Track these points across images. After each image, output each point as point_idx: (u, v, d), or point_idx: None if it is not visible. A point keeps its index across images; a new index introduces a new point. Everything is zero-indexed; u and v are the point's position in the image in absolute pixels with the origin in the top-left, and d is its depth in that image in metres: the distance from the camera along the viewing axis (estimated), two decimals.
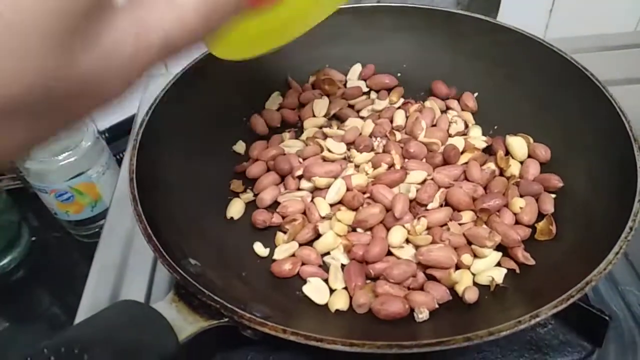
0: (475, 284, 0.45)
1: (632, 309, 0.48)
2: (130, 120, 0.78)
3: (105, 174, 0.72)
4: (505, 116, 0.59)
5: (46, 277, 0.74)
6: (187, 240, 0.45)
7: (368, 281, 0.46)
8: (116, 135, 0.89)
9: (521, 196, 0.50)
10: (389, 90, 0.63)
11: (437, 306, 0.42)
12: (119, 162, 0.78)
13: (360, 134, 0.56)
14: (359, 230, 0.49)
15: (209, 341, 0.45)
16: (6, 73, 0.17)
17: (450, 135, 0.57)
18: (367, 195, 0.50)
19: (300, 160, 0.55)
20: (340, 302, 0.43)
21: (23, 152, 0.21)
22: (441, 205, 0.49)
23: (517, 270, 0.45)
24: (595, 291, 0.50)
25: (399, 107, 0.61)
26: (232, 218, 0.52)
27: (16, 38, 0.17)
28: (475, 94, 0.62)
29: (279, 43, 0.42)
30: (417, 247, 0.46)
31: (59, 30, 0.18)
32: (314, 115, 0.61)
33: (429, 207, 0.49)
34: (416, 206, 0.49)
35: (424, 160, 0.53)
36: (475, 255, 0.46)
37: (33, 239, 0.78)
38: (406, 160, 0.53)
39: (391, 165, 0.52)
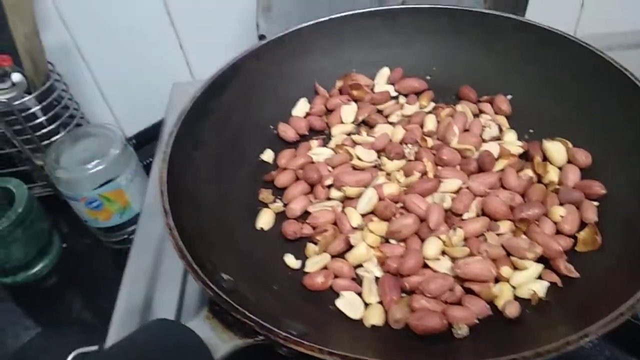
0: (515, 298, 0.43)
1: None
2: (157, 126, 0.78)
3: (134, 180, 0.73)
4: (540, 119, 0.57)
5: (77, 284, 0.75)
6: (218, 253, 0.44)
7: (403, 295, 0.44)
8: (143, 142, 0.92)
9: (561, 204, 0.48)
10: (418, 94, 0.62)
11: (476, 322, 0.41)
12: (147, 168, 0.78)
13: (391, 140, 0.55)
14: (392, 241, 0.47)
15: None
16: None
17: (484, 141, 0.55)
18: (400, 205, 0.49)
19: (330, 168, 0.54)
20: (375, 317, 0.42)
21: None
22: (477, 215, 0.47)
23: (560, 284, 0.43)
24: None
25: (429, 112, 0.59)
26: (262, 229, 0.51)
27: None
28: (509, 97, 0.60)
29: None
30: (453, 259, 0.45)
31: None
32: (341, 122, 0.60)
33: (464, 217, 0.47)
34: (451, 216, 0.47)
35: (457, 167, 0.52)
36: (515, 268, 0.44)
37: (64, 245, 0.79)
38: (439, 167, 0.51)
39: (424, 173, 0.51)
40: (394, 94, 0.63)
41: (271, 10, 0.74)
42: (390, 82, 0.63)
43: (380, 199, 0.49)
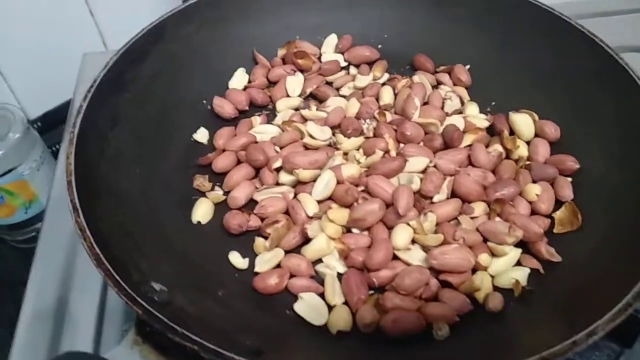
0: (495, 288, 0.38)
1: None
2: (66, 106, 0.68)
3: (40, 169, 0.65)
4: (503, 90, 0.52)
5: None
6: (147, 257, 0.36)
7: (371, 292, 0.38)
8: (50, 125, 0.81)
9: (534, 181, 0.44)
10: (371, 64, 0.56)
11: (457, 319, 0.36)
12: (55, 155, 0.69)
13: (345, 115, 0.48)
14: (355, 231, 0.41)
15: None
16: None
17: (446, 114, 0.49)
18: (362, 188, 0.42)
19: (277, 149, 0.46)
20: (342, 322, 0.36)
21: None
22: (448, 197, 0.42)
23: (541, 270, 0.39)
24: None
25: (384, 83, 0.53)
26: (199, 223, 0.43)
27: None
28: (468, 66, 0.55)
29: None
30: (425, 248, 0.39)
31: None
32: (287, 95, 0.52)
33: (435, 199, 0.42)
34: (420, 199, 0.41)
35: (421, 144, 0.46)
36: (492, 254, 0.39)
37: None
38: (401, 145, 0.46)
39: (386, 152, 0.45)
40: (343, 64, 0.56)
41: None
42: (339, 50, 0.57)
43: (339, 182, 0.42)
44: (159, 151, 0.45)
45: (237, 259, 0.40)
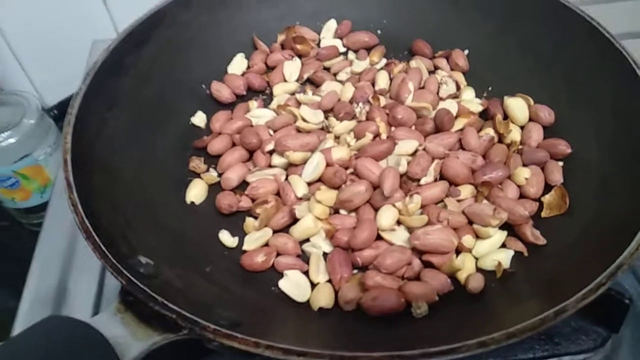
0: (478, 270, 0.39)
1: None
2: None
3: (54, 154, 0.66)
4: (500, 75, 0.52)
5: None
6: (138, 233, 0.38)
7: (355, 271, 0.39)
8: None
9: (525, 165, 0.44)
10: (369, 49, 0.56)
11: (437, 298, 0.36)
12: None
13: (339, 99, 0.49)
14: (342, 212, 0.42)
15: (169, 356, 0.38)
16: None
17: (441, 99, 0.50)
18: (351, 170, 0.43)
19: (271, 132, 0.47)
20: (323, 299, 0.37)
21: None
22: (436, 180, 0.42)
23: (525, 253, 0.39)
24: None
25: (381, 68, 0.53)
26: (192, 203, 0.44)
27: None
28: (466, 52, 0.55)
29: None
30: (410, 229, 0.40)
31: None
32: (284, 80, 0.53)
33: (422, 181, 0.42)
34: (407, 181, 0.42)
35: (413, 127, 0.46)
36: (477, 236, 0.40)
37: None
38: (393, 128, 0.46)
39: (376, 135, 0.45)
40: (342, 49, 0.56)
41: None
42: (338, 36, 0.57)
43: (329, 164, 0.43)
44: (156, 133, 0.47)
45: (226, 238, 0.42)
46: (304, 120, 0.47)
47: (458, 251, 0.39)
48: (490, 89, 0.52)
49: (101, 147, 0.41)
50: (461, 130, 0.46)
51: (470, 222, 0.40)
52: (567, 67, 0.48)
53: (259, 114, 0.50)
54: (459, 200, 0.42)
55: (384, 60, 0.55)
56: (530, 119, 0.47)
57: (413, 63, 0.53)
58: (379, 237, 0.40)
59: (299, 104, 0.50)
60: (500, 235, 0.40)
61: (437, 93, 0.50)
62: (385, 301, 0.35)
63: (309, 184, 0.43)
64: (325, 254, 0.40)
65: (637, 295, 0.43)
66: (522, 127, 0.47)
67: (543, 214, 0.42)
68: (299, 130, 0.47)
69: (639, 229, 0.32)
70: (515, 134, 0.46)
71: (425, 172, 0.42)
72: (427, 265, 0.39)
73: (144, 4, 0.51)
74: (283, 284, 0.38)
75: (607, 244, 0.35)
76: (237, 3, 0.55)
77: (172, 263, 0.37)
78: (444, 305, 0.36)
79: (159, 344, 0.30)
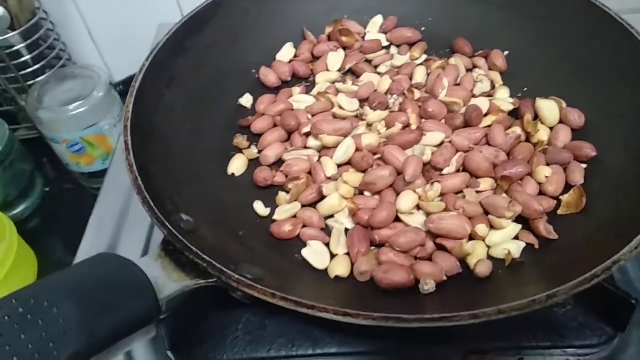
0: (489, 257, 0.41)
1: None
2: None
3: (117, 126, 0.71)
4: (537, 78, 0.53)
5: (58, 229, 0.73)
6: (183, 195, 0.43)
7: (373, 248, 0.42)
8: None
9: (548, 165, 0.45)
10: (411, 45, 0.58)
11: (445, 278, 0.39)
12: None
13: (376, 90, 0.52)
14: (366, 193, 0.45)
15: (202, 301, 0.43)
16: None
17: (474, 96, 0.52)
18: (378, 156, 0.46)
19: (309, 116, 0.51)
20: (340, 268, 0.40)
21: None
22: (458, 171, 0.45)
23: (537, 246, 0.41)
24: (623, 272, 0.45)
25: (420, 64, 0.56)
26: (233, 174, 0.49)
27: None
28: (506, 52, 0.56)
29: None
30: (428, 214, 0.43)
31: None
32: (327, 69, 0.57)
33: (444, 172, 0.45)
34: (430, 170, 0.45)
35: (443, 121, 0.49)
36: (492, 227, 0.42)
37: (47, 189, 0.78)
38: (423, 120, 0.49)
39: (406, 126, 0.48)
40: (385, 43, 0.59)
41: None
42: (383, 31, 0.60)
43: (358, 149, 0.46)
44: (207, 111, 0.52)
45: (260, 208, 0.46)
46: (340, 107, 0.51)
47: (472, 238, 0.42)
48: (525, 90, 0.54)
49: (158, 119, 0.47)
50: (489, 126, 0.48)
51: (487, 213, 0.42)
52: (606, 76, 0.49)
53: (300, 99, 0.54)
54: (478, 192, 0.44)
55: (425, 57, 0.57)
56: (561, 121, 0.49)
57: (452, 60, 0.56)
58: (398, 219, 0.43)
59: (337, 92, 0.53)
60: (515, 228, 0.42)
61: (472, 90, 0.52)
62: (395, 275, 0.38)
63: (339, 165, 0.47)
64: (346, 230, 0.44)
65: None
66: (551, 129, 0.49)
67: (559, 212, 0.43)
68: (335, 116, 0.50)
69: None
70: (542, 134, 0.48)
71: (448, 162, 0.44)
72: (440, 248, 0.41)
73: None
74: (305, 252, 0.42)
75: (612, 243, 0.37)
76: None
77: (210, 224, 0.41)
78: (451, 284, 0.39)
79: (190, 287, 0.34)
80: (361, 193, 0.45)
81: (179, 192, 0.43)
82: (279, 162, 0.49)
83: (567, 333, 0.41)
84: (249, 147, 0.51)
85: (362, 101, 0.52)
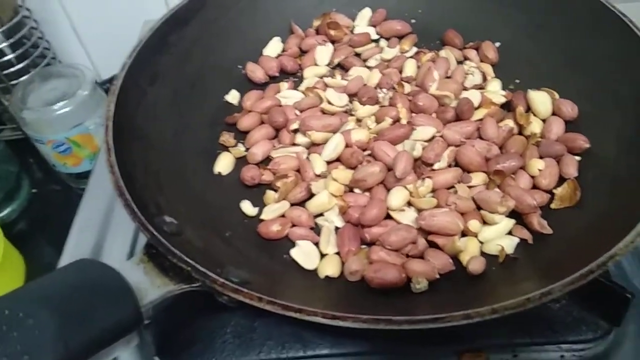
0: (482, 254, 0.40)
1: None
2: None
3: (104, 125, 0.70)
4: (529, 70, 0.52)
5: (46, 231, 0.72)
6: (167, 196, 0.41)
7: (363, 246, 0.41)
8: None
9: (541, 157, 0.44)
10: (401, 38, 0.57)
11: (437, 276, 0.38)
12: None
13: (365, 84, 0.51)
14: (356, 190, 0.44)
15: (189, 305, 0.42)
16: None
17: (465, 89, 0.51)
18: (368, 152, 0.45)
19: (297, 112, 0.50)
20: (330, 268, 0.39)
21: None
22: (450, 166, 0.44)
23: (530, 241, 0.40)
24: (618, 266, 0.44)
25: (410, 57, 0.55)
26: (219, 174, 0.48)
27: None
28: (497, 44, 0.55)
29: None
30: (419, 210, 0.42)
31: None
32: (315, 64, 0.55)
33: (435, 167, 0.44)
34: (421, 166, 0.44)
35: (434, 115, 0.48)
36: (484, 222, 0.41)
37: (34, 191, 0.76)
38: (414, 114, 0.48)
39: (396, 120, 0.47)
40: (374, 36, 0.58)
41: None
42: (372, 24, 0.59)
43: (348, 145, 0.45)
44: (192, 108, 0.50)
45: (247, 207, 0.45)
46: (329, 102, 0.49)
47: (465, 235, 0.41)
48: (517, 82, 0.53)
49: (141, 117, 0.45)
50: (481, 120, 0.47)
51: (479, 208, 0.42)
52: (599, 66, 0.48)
53: (288, 94, 0.52)
54: (470, 187, 0.43)
55: (415, 49, 0.56)
56: (553, 113, 0.48)
57: (442, 53, 0.54)
58: (389, 217, 0.42)
59: (326, 87, 0.52)
60: (508, 223, 0.41)
61: (463, 83, 0.51)
62: (386, 274, 0.37)
63: (328, 162, 0.46)
64: (336, 229, 0.43)
65: None
66: (544, 121, 0.48)
67: (553, 205, 0.42)
68: (323, 112, 0.49)
69: (635, 225, 0.33)
70: (535, 126, 0.47)
71: (439, 157, 0.43)
72: (432, 245, 0.40)
73: None
74: (294, 252, 0.41)
75: (608, 237, 0.36)
76: None
77: (195, 225, 0.40)
78: (444, 282, 0.38)
79: (174, 292, 0.33)
80: (351, 190, 0.44)
81: (163, 193, 0.41)
82: (266, 160, 0.48)
83: (561, 328, 0.41)
84: (235, 145, 0.50)
85: (352, 96, 0.51)
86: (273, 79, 0.55)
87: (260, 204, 0.45)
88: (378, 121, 0.47)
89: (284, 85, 0.54)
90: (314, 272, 0.40)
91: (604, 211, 0.40)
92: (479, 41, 0.55)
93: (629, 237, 0.33)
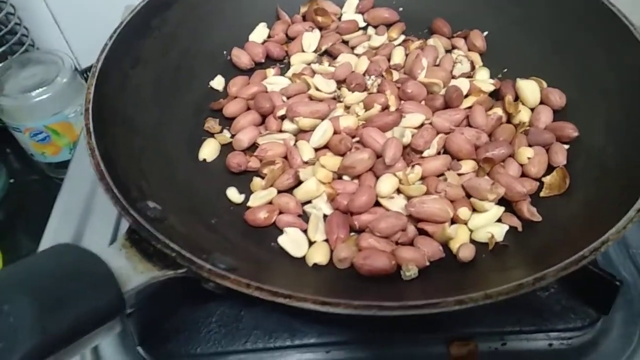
0: (472, 241, 0.40)
1: None
2: None
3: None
4: (517, 58, 0.52)
5: (24, 222, 0.70)
6: (150, 181, 0.40)
7: (352, 234, 0.41)
8: None
9: (530, 146, 0.44)
10: (389, 26, 0.57)
11: (427, 264, 0.38)
12: None
13: (353, 71, 0.50)
14: (345, 177, 0.43)
15: (173, 293, 0.41)
16: None
17: (453, 77, 0.50)
18: (357, 139, 0.44)
19: (284, 98, 0.49)
20: (318, 256, 0.39)
21: None
22: (439, 153, 0.44)
23: (520, 228, 0.40)
24: (604, 254, 0.45)
25: (398, 45, 0.54)
26: (204, 160, 0.46)
27: None
28: (485, 33, 0.55)
29: None
30: (408, 198, 0.41)
31: None
32: (302, 50, 0.54)
33: (424, 154, 0.43)
34: (410, 153, 0.43)
35: (422, 102, 0.47)
36: (474, 210, 0.41)
37: (11, 181, 0.74)
38: (402, 102, 0.47)
39: (385, 107, 0.46)
40: (362, 24, 0.57)
41: None
42: (360, 11, 0.58)
43: (336, 132, 0.44)
44: (176, 93, 0.49)
45: (234, 194, 0.44)
46: (316, 89, 0.48)
47: (454, 222, 0.40)
48: (505, 70, 0.52)
49: (123, 102, 0.44)
50: (470, 108, 0.47)
51: (469, 196, 0.41)
52: (587, 55, 0.48)
53: (274, 81, 0.51)
54: (460, 174, 0.42)
55: (403, 37, 0.56)
56: (542, 102, 0.48)
57: (430, 41, 0.54)
58: (378, 204, 0.41)
59: (314, 73, 0.51)
60: (497, 210, 0.41)
61: (451, 71, 0.51)
62: (375, 261, 0.36)
63: (316, 149, 0.45)
64: (325, 216, 0.42)
65: (633, 283, 0.43)
66: (532, 109, 0.48)
67: (542, 194, 0.42)
68: (311, 98, 0.48)
69: (626, 210, 0.33)
70: (524, 115, 0.46)
71: (428, 145, 0.43)
72: (422, 233, 0.40)
73: None
74: (282, 240, 0.40)
75: (599, 223, 0.36)
76: None
77: (180, 212, 0.39)
78: (434, 270, 0.38)
79: (158, 278, 0.32)
80: (339, 177, 0.44)
81: (146, 179, 0.40)
82: (253, 147, 0.47)
83: (550, 316, 0.41)
84: (221, 132, 0.49)
85: (340, 82, 0.50)
86: (259, 65, 0.54)
87: (246, 191, 0.44)
88: (367, 108, 0.47)
89: (271, 71, 0.53)
90: (302, 260, 0.39)
91: (593, 199, 0.40)
92: (467, 30, 0.55)
93: (621, 222, 0.32)
